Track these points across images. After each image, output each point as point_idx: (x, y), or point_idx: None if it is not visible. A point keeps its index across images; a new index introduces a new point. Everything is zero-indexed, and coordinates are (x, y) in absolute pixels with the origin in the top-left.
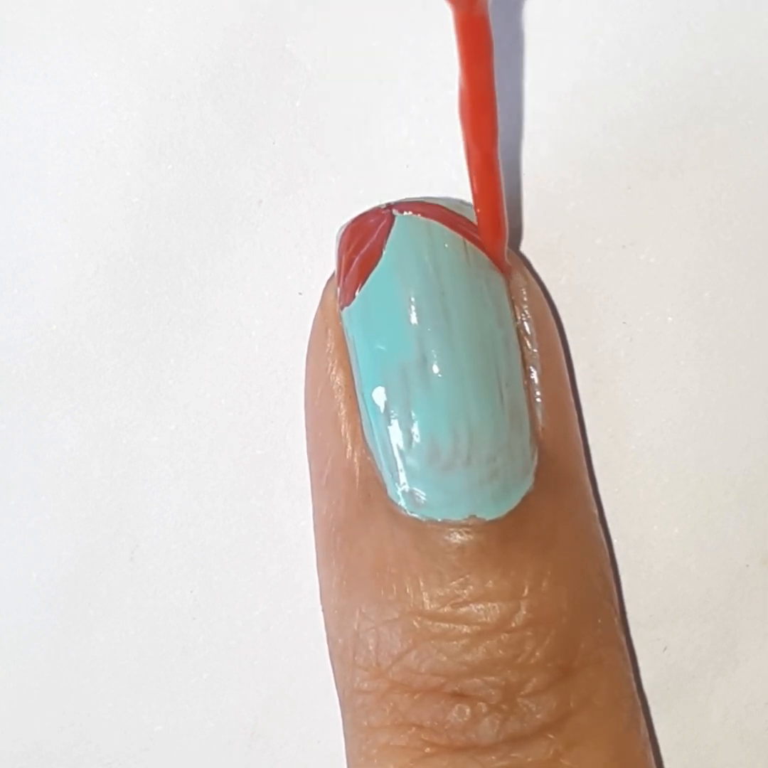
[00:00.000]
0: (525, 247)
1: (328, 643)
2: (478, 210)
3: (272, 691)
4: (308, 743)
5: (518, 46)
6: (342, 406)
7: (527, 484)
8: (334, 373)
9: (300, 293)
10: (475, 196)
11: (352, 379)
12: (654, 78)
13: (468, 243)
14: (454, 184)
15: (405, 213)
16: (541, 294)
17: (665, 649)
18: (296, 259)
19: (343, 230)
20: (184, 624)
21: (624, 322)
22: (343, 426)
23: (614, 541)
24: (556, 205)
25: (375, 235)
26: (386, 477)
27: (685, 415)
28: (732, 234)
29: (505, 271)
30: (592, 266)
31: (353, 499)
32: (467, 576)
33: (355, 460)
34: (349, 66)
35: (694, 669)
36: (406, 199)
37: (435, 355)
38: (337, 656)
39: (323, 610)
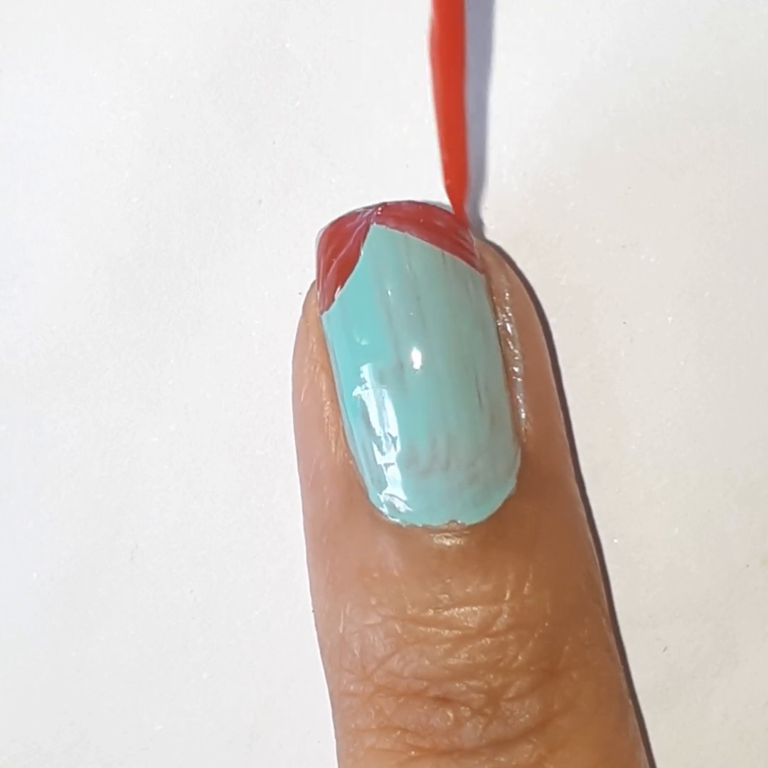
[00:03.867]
0: (525, 247)
1: (318, 644)
2: (444, 155)
3: (272, 691)
4: (308, 743)
5: (518, 46)
6: (326, 409)
7: (509, 486)
8: (317, 376)
9: (300, 293)
10: (441, 142)
11: (335, 382)
12: (654, 78)
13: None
14: None
15: (381, 217)
16: (525, 294)
17: (665, 649)
18: (296, 259)
19: (321, 234)
20: (184, 624)
21: (624, 322)
22: (327, 429)
23: (614, 541)
24: (556, 205)
25: (351, 240)
26: (367, 481)
27: (685, 415)
28: (732, 234)
29: (463, 223)
30: (592, 266)
31: (337, 502)
32: (448, 580)
33: (339, 463)
34: (349, 66)
35: (694, 669)
36: (382, 202)
37: (411, 360)
38: (326, 658)
39: (313, 612)
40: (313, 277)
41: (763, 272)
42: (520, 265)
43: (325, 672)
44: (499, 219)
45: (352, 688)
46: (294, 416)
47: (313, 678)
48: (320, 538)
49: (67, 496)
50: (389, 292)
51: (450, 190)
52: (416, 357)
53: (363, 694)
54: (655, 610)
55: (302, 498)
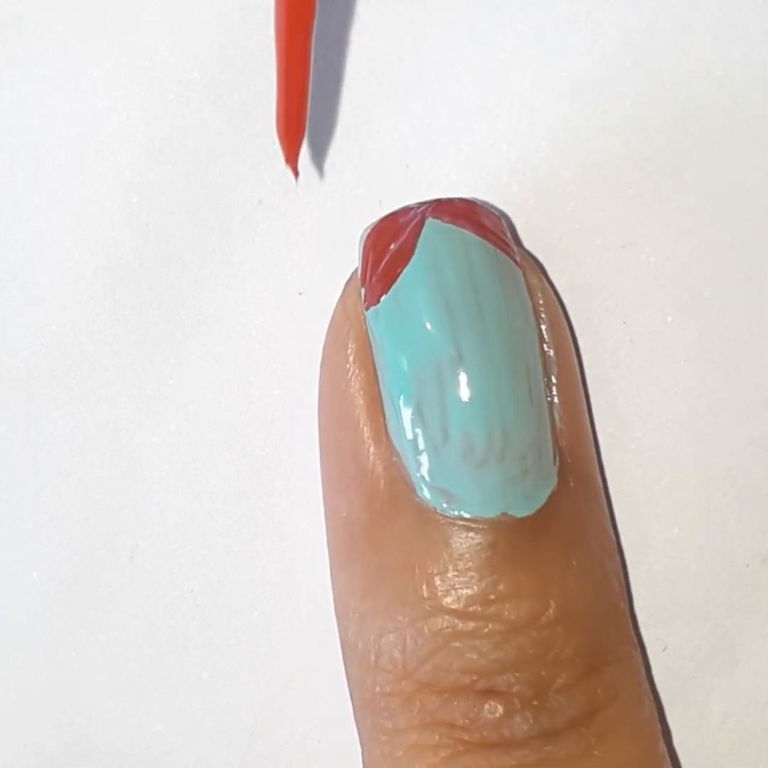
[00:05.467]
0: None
1: (343, 648)
2: (281, 98)
3: (272, 691)
4: (308, 743)
5: (518, 46)
6: (364, 406)
7: (552, 482)
8: (356, 373)
9: (300, 293)
10: (279, 83)
11: (375, 379)
12: (654, 78)
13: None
14: (454, 184)
15: (436, 212)
16: (554, 297)
17: (665, 649)
18: (296, 259)
19: (369, 230)
20: (184, 624)
21: (624, 322)
22: (365, 427)
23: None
24: (556, 205)
25: (405, 234)
26: (414, 476)
27: (685, 415)
28: (732, 234)
29: (293, 166)
30: (592, 266)
31: (377, 500)
32: (498, 574)
33: (379, 460)
34: (349, 66)
35: (694, 669)
36: (435, 199)
37: (470, 352)
38: (355, 661)
39: (339, 616)
40: (314, 277)
41: (763, 272)
42: None
43: (352, 676)
44: None
45: (389, 688)
46: (323, 415)
47: (313, 678)
48: (357, 537)
49: (67, 496)
50: (448, 285)
51: (285, 140)
52: (476, 348)
53: (403, 693)
54: (655, 610)
55: (330, 499)
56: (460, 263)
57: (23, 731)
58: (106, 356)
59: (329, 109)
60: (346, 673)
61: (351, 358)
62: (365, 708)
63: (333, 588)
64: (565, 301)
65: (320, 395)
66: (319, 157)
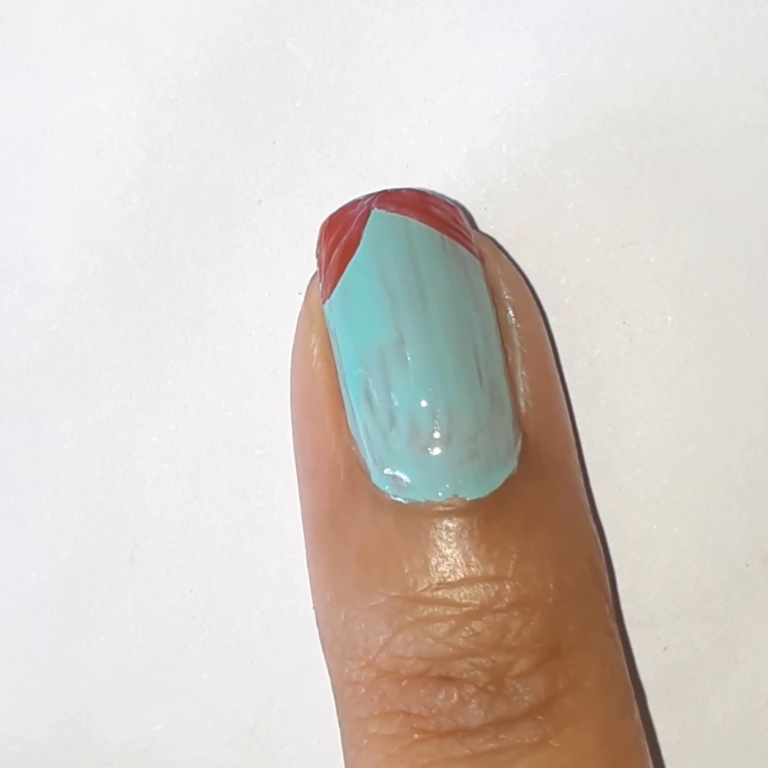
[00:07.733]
0: (525, 247)
1: (320, 639)
2: None
3: (272, 691)
4: (308, 743)
5: (518, 46)
6: (326, 399)
7: (510, 466)
8: (318, 367)
9: (300, 293)
10: None
11: (336, 372)
12: (654, 78)
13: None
14: (454, 184)
15: (382, 202)
16: (523, 283)
17: (665, 649)
18: (296, 259)
19: (323, 225)
20: (184, 624)
21: (624, 322)
22: (327, 419)
23: (614, 541)
24: (556, 205)
25: (353, 225)
26: (369, 462)
27: (685, 415)
28: (732, 234)
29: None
30: (592, 266)
31: (338, 490)
32: (451, 558)
33: (340, 450)
34: (349, 66)
35: (694, 669)
36: (383, 189)
37: (412, 336)
38: (328, 651)
39: (314, 608)
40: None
41: (763, 272)
42: (520, 265)
43: (328, 667)
44: (499, 219)
45: (354, 676)
46: (292, 409)
47: (313, 677)
48: (320, 528)
49: (67, 496)
50: (390, 272)
51: None
52: (417, 331)
53: (366, 682)
54: (655, 610)
55: (300, 490)
56: (401, 249)
57: (23, 731)
58: (106, 356)
59: (329, 109)
60: (326, 664)
61: (314, 352)
62: (337, 697)
63: (309, 580)
64: (565, 301)
65: (291, 391)
66: (319, 156)
